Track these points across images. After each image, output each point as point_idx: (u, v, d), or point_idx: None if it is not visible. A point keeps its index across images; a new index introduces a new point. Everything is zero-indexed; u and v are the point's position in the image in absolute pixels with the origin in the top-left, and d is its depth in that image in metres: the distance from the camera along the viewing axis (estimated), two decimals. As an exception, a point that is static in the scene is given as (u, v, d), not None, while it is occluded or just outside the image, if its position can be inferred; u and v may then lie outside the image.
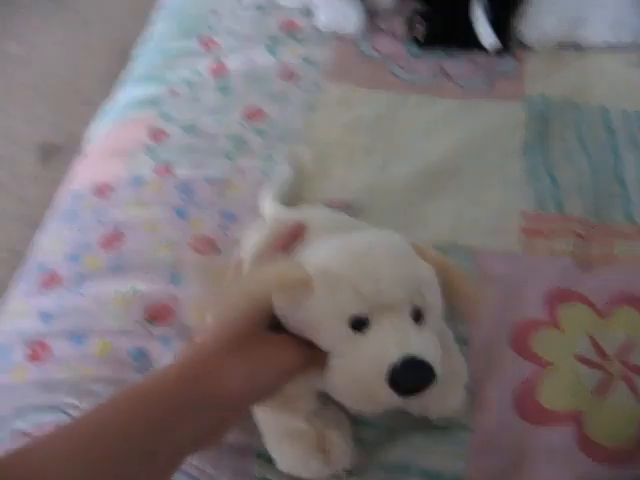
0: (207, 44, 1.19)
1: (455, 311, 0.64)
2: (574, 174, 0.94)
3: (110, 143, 1.04)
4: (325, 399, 0.63)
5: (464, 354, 0.73)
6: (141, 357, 0.75)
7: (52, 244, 0.90)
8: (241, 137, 1.01)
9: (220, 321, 0.57)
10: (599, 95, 1.07)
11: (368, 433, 0.69)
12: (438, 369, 0.53)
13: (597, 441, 0.68)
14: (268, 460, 0.66)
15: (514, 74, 1.11)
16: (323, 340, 0.56)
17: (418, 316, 0.56)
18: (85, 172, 1.01)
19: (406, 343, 0.53)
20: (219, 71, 1.14)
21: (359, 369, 0.53)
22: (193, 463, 0.67)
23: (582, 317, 0.78)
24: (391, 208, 0.89)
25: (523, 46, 1.16)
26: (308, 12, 1.22)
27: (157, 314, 0.79)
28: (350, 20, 1.18)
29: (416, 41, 1.16)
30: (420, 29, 1.15)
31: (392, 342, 0.53)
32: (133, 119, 1.07)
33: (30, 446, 0.46)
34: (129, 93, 1.14)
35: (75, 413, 0.70)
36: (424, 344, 0.54)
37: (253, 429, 0.67)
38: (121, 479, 0.46)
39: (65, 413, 0.71)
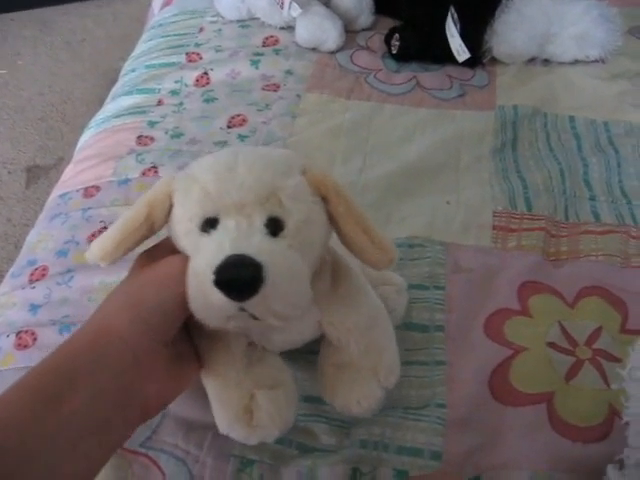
0: (193, 59, 1.24)
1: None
2: (543, 176, 0.98)
3: (98, 148, 1.07)
4: (264, 356, 0.63)
5: (440, 340, 0.77)
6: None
7: (42, 242, 0.92)
8: (225, 142, 1.05)
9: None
10: (566, 106, 1.12)
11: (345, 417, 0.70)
12: (273, 270, 0.48)
13: (569, 421, 0.70)
14: (249, 440, 0.68)
15: (486, 86, 1.17)
16: (182, 246, 0.55)
17: (275, 228, 0.52)
18: (74, 176, 1.03)
19: (243, 243, 0.49)
20: (204, 82, 1.19)
21: (195, 271, 0.51)
22: (178, 445, 0.68)
23: (552, 307, 0.81)
24: (368, 206, 0.92)
25: (495, 60, 1.22)
26: (290, 29, 1.27)
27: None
28: (330, 37, 1.23)
29: (393, 56, 1.22)
30: (397, 45, 1.20)
31: (228, 241, 0.49)
32: (121, 126, 1.11)
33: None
34: (117, 104, 1.17)
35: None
36: (265, 246, 0.50)
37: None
38: None
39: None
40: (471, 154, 1.02)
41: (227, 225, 0.51)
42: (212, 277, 0.48)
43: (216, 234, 0.51)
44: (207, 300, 0.49)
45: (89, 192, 0.98)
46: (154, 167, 1.00)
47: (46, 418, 0.47)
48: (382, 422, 0.70)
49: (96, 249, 0.57)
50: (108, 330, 0.53)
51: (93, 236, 0.90)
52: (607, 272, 0.84)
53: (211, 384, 0.61)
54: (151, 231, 0.58)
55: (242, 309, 0.49)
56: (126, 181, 0.98)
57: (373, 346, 0.63)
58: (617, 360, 0.74)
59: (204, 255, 0.50)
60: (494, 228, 0.90)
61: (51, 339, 0.78)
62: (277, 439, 0.63)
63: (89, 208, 0.95)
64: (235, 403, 0.60)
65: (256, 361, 0.62)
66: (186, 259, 0.53)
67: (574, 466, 0.66)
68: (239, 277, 0.48)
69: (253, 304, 0.49)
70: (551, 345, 0.77)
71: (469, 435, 0.69)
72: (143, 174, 0.99)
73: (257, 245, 0.49)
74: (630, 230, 0.90)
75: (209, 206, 0.52)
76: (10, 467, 0.44)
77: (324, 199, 0.56)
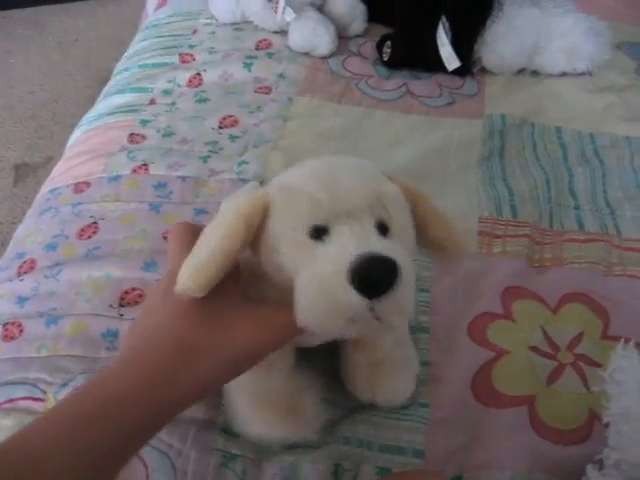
0: (186, 60, 1.25)
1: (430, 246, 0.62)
2: (529, 185, 1.00)
3: (90, 145, 1.08)
4: (299, 359, 0.65)
5: (424, 342, 0.78)
6: (112, 337, 0.77)
7: (31, 235, 0.92)
8: (216, 142, 1.05)
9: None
10: (553, 117, 1.14)
11: (330, 411, 0.71)
12: (404, 267, 0.48)
13: (549, 424, 0.71)
14: (232, 434, 0.68)
15: (475, 95, 1.19)
16: (286, 259, 0.52)
17: (383, 229, 0.53)
18: (64, 172, 1.04)
19: (366, 243, 0.49)
20: (196, 83, 1.19)
21: (320, 275, 0.49)
22: (162, 438, 0.68)
23: (535, 312, 0.82)
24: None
25: (485, 70, 1.24)
26: (284, 33, 1.29)
27: (130, 298, 0.82)
28: (322, 43, 1.24)
29: (384, 63, 1.23)
30: (388, 52, 1.22)
31: (352, 243, 0.49)
32: (113, 124, 1.11)
33: (26, 432, 0.46)
34: (110, 102, 1.18)
35: (46, 388, 0.72)
36: (387, 246, 0.50)
37: (218, 405, 0.70)
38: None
39: (37, 387, 0.72)
40: (459, 161, 1.04)
41: (342, 230, 0.51)
42: (348, 276, 0.47)
43: (334, 239, 0.50)
44: (335, 304, 0.48)
45: (79, 188, 0.98)
46: (145, 165, 1.01)
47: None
48: (366, 420, 0.71)
49: (191, 280, 0.51)
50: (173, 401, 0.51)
51: (82, 231, 0.91)
52: (590, 279, 0.86)
53: (251, 386, 0.64)
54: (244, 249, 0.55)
55: (371, 309, 0.48)
56: (117, 178, 0.99)
57: (402, 339, 0.70)
58: (598, 365, 0.75)
59: (328, 259, 0.49)
60: (480, 234, 0.91)
61: (38, 331, 0.79)
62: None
63: (79, 203, 0.95)
64: (282, 403, 0.64)
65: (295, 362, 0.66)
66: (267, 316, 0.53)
67: (554, 467, 0.67)
68: (380, 273, 0.47)
69: (385, 302, 0.48)
70: (533, 349, 0.78)
71: (452, 435, 0.70)
72: (134, 171, 1.00)
73: (382, 245, 0.49)
74: (613, 239, 0.91)
75: (320, 214, 0.51)
76: None
77: (412, 203, 0.58)
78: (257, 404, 0.65)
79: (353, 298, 0.47)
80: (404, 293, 0.49)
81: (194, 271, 0.51)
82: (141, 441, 0.51)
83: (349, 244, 0.49)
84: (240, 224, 0.52)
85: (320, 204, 0.51)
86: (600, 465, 0.61)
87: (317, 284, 0.49)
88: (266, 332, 0.53)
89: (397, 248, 0.50)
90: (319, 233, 0.51)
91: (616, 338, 0.77)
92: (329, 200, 0.51)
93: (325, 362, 0.73)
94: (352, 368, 0.70)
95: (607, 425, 0.63)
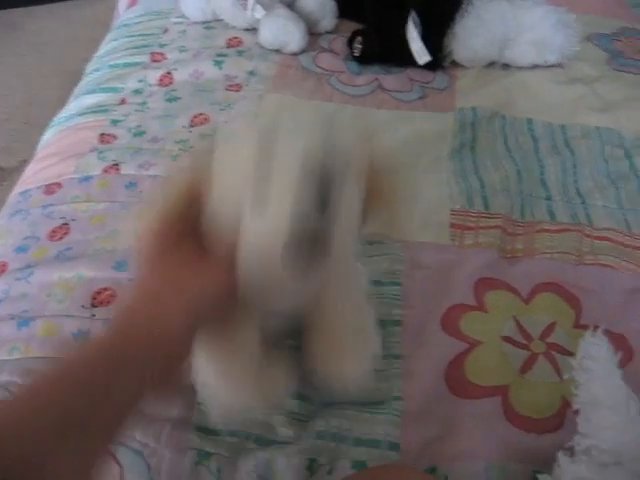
0: (157, 59, 1.25)
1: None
2: (500, 177, 1.00)
3: (60, 146, 1.07)
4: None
5: (397, 335, 0.78)
6: (84, 338, 0.77)
7: (1, 238, 0.92)
8: (187, 140, 1.05)
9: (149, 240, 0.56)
10: (524, 109, 1.15)
11: (303, 407, 0.71)
12: None
13: (523, 413, 0.72)
14: (206, 433, 0.68)
15: (447, 89, 1.19)
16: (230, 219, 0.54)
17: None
18: (35, 173, 1.03)
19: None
20: (167, 82, 1.19)
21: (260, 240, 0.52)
22: (136, 437, 0.68)
23: (507, 302, 0.83)
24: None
25: (456, 64, 1.24)
26: (254, 31, 1.28)
27: (102, 298, 0.81)
28: (293, 39, 1.24)
29: (355, 59, 1.23)
30: (359, 48, 1.22)
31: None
32: (83, 124, 1.11)
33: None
34: (80, 103, 1.17)
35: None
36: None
37: (192, 404, 0.70)
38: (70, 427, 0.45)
39: (8, 391, 0.72)
40: (430, 155, 1.04)
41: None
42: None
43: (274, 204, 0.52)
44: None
45: (50, 189, 0.98)
46: (116, 165, 1.00)
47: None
48: (340, 414, 0.71)
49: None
50: (165, 336, 0.51)
51: (54, 232, 0.90)
52: (561, 269, 0.87)
53: (218, 354, 0.62)
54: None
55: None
56: (87, 178, 0.98)
57: (364, 327, 0.70)
58: (570, 354, 0.75)
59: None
60: (452, 226, 0.92)
61: (9, 333, 0.78)
62: (234, 432, 0.67)
63: (50, 205, 0.95)
64: (249, 372, 0.63)
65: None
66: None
67: (528, 456, 0.68)
68: None
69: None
70: (506, 339, 0.78)
71: (426, 427, 0.70)
72: (105, 171, 0.99)
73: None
74: (584, 229, 0.92)
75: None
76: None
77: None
78: (223, 372, 0.63)
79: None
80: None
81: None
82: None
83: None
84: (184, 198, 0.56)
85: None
86: (571, 452, 0.62)
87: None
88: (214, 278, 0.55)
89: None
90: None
91: (588, 327, 0.78)
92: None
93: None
94: (312, 354, 0.68)
95: (577, 412, 0.63)
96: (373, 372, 0.70)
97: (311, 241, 0.51)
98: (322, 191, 0.52)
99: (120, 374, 0.48)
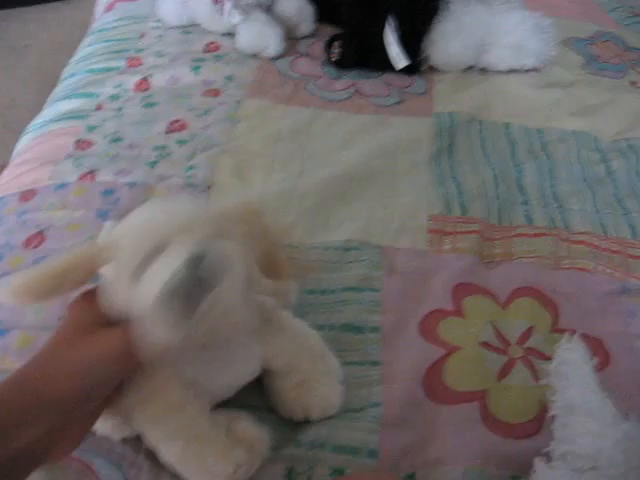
0: (133, 64, 1.24)
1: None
2: (478, 182, 1.01)
3: (36, 153, 1.06)
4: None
5: (375, 341, 0.78)
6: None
7: (-24, 247, 0.90)
8: (164, 147, 1.04)
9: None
10: (502, 113, 1.16)
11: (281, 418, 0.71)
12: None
13: (501, 418, 0.72)
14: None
15: (424, 94, 1.20)
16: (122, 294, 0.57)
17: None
18: (10, 180, 1.02)
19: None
20: (144, 87, 1.18)
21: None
22: (115, 450, 0.67)
23: (485, 307, 0.83)
24: (307, 210, 0.93)
25: (433, 69, 1.25)
26: (232, 36, 1.28)
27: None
28: (270, 44, 1.24)
29: (333, 63, 1.23)
30: (337, 52, 1.22)
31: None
32: (59, 130, 1.10)
33: None
34: (56, 108, 1.16)
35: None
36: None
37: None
38: None
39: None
40: (408, 160, 1.04)
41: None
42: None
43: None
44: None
45: (25, 196, 0.96)
46: (91, 172, 0.99)
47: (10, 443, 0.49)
48: (318, 422, 0.70)
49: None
50: (49, 394, 0.52)
51: (29, 240, 0.89)
52: (539, 273, 0.87)
53: (177, 436, 0.62)
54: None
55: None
56: (63, 185, 0.97)
57: (317, 353, 0.72)
58: (548, 359, 0.75)
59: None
60: (429, 231, 0.92)
61: (-15, 343, 0.77)
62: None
63: (25, 212, 0.94)
64: (219, 439, 0.63)
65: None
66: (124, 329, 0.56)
67: (506, 461, 0.68)
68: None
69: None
70: (484, 345, 0.78)
71: (404, 433, 0.70)
72: (80, 178, 0.98)
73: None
74: (561, 233, 0.93)
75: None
76: None
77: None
78: (191, 446, 0.62)
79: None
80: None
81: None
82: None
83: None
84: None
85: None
86: (548, 457, 0.62)
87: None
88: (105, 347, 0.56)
89: None
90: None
91: (566, 331, 0.79)
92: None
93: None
94: (280, 394, 0.71)
95: (554, 417, 0.64)
96: (344, 388, 0.72)
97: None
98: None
99: (20, 429, 0.50)
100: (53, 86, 1.29)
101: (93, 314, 0.58)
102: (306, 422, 0.70)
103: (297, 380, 0.70)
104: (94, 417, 0.59)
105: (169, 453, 0.62)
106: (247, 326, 0.60)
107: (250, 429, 0.65)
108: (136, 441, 0.68)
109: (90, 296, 0.60)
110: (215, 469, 0.61)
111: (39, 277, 0.56)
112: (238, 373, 0.68)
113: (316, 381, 0.70)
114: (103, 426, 0.66)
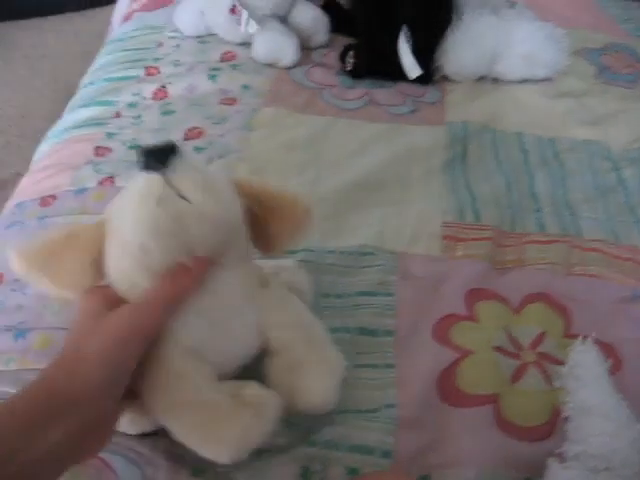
0: (151, 72, 1.26)
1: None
2: (491, 189, 1.02)
3: (56, 159, 1.08)
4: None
5: (389, 345, 0.79)
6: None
7: (-2, 250, 0.92)
8: (182, 154, 1.06)
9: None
10: (514, 123, 1.17)
11: (296, 417, 0.71)
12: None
13: (514, 421, 0.72)
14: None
15: (437, 103, 1.21)
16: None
17: None
18: (30, 186, 1.04)
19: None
20: (161, 95, 1.20)
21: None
22: (133, 447, 0.68)
23: (498, 313, 0.84)
24: (322, 216, 0.94)
25: (446, 78, 1.26)
26: (248, 45, 1.30)
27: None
28: (286, 54, 1.25)
29: (348, 73, 1.25)
30: (351, 62, 1.23)
31: None
32: (78, 137, 1.11)
33: None
34: (75, 116, 1.18)
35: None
36: None
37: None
38: None
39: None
40: (422, 168, 1.05)
41: None
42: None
43: None
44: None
45: (46, 201, 0.98)
46: (111, 177, 1.01)
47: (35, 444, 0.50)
48: (333, 422, 0.71)
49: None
50: (72, 388, 0.54)
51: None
52: (551, 280, 0.88)
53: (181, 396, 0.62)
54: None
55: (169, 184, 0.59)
56: (83, 190, 0.99)
57: (316, 341, 0.69)
58: (560, 363, 0.77)
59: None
60: (443, 238, 0.93)
61: (6, 345, 0.79)
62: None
63: (45, 217, 0.95)
64: (226, 403, 0.62)
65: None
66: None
67: (519, 463, 0.68)
68: (156, 148, 0.62)
69: (178, 172, 0.60)
70: (497, 349, 0.79)
71: (418, 435, 0.71)
72: (100, 184, 1.00)
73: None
74: (573, 240, 0.93)
75: None
76: None
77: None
78: (199, 420, 0.61)
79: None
80: (195, 167, 0.62)
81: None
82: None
83: None
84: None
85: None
86: (561, 458, 0.63)
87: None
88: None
89: None
90: None
91: (578, 337, 0.80)
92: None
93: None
94: (269, 375, 0.68)
95: (567, 419, 0.64)
96: (339, 385, 0.68)
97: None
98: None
99: (46, 429, 0.51)
100: (67, 96, 1.31)
101: (104, 299, 0.60)
102: (319, 422, 0.71)
103: (288, 362, 0.66)
104: (118, 412, 0.60)
105: (176, 424, 0.62)
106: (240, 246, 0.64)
107: (258, 394, 0.63)
108: (154, 440, 0.69)
109: (100, 287, 0.63)
110: (223, 435, 0.60)
111: (42, 244, 0.61)
112: (237, 342, 0.67)
113: (308, 369, 0.66)
114: (120, 421, 0.65)
